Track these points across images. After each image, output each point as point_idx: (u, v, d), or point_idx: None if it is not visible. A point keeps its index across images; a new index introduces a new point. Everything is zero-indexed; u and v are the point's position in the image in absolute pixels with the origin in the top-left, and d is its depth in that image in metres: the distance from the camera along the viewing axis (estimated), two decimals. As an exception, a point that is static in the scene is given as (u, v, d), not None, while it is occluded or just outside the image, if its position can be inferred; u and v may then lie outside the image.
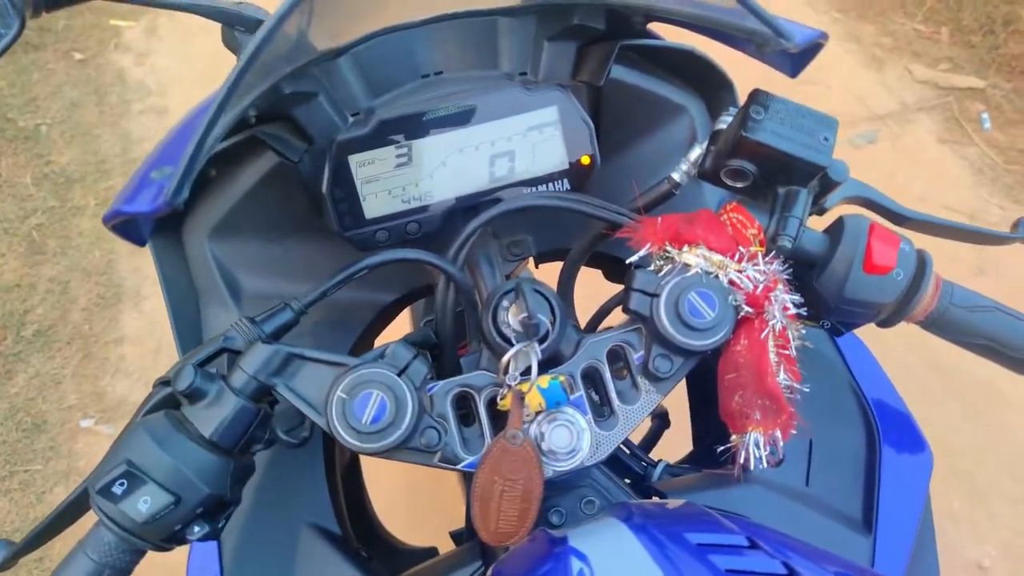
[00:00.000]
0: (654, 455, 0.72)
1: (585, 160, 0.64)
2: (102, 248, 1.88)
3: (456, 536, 0.77)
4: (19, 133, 2.06)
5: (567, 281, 0.66)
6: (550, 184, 0.64)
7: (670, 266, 0.51)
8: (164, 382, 0.51)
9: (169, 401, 0.50)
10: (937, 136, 2.29)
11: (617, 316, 0.58)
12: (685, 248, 0.51)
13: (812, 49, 0.47)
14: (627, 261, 0.53)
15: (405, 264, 0.59)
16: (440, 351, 0.60)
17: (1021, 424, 1.67)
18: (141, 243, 0.48)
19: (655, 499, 0.53)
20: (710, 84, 0.70)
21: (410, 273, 0.70)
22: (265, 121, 0.61)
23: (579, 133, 0.63)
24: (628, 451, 0.71)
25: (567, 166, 0.63)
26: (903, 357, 1.73)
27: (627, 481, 0.67)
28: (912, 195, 2.11)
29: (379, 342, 0.75)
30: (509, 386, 0.49)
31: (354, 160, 0.60)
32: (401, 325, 0.79)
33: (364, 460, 0.84)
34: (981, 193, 2.14)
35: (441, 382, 0.50)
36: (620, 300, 0.58)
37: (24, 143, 2.05)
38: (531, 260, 0.71)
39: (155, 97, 2.28)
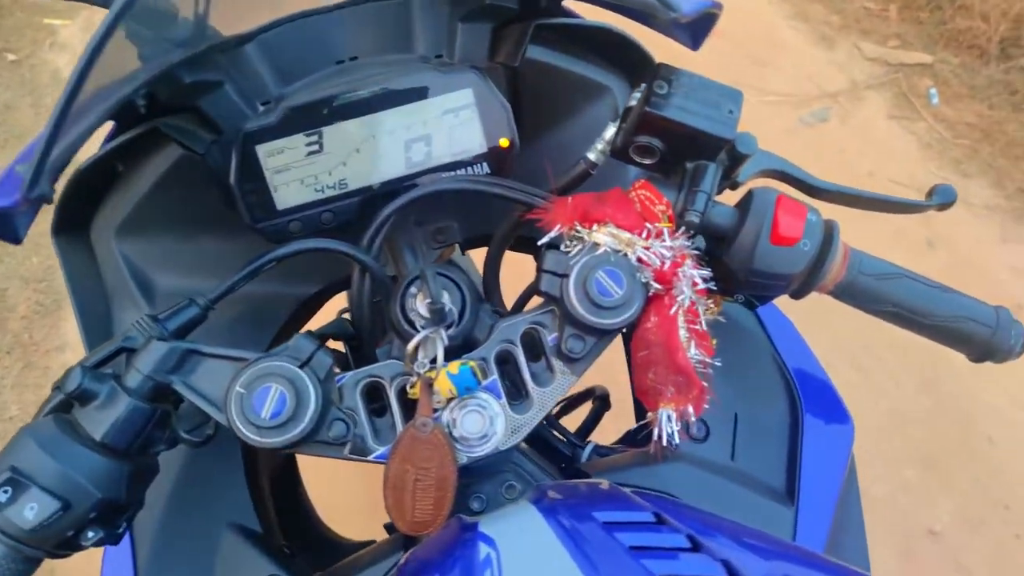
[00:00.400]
0: (596, 438, 0.72)
1: (504, 143, 0.63)
2: (40, 255, 1.82)
3: (390, 528, 0.76)
4: (-49, 139, 1.99)
5: (492, 265, 0.65)
6: (470, 168, 0.63)
7: (580, 246, 0.50)
8: (58, 387, 0.50)
9: (66, 406, 0.48)
10: (886, 112, 2.33)
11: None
12: (594, 227, 0.50)
13: (706, 19, 0.47)
14: (538, 243, 0.52)
15: (324, 255, 0.58)
16: (359, 342, 0.59)
17: (970, 393, 1.71)
18: (15, 240, 0.45)
19: (574, 480, 0.53)
20: (631, 61, 0.69)
21: (331, 264, 0.68)
22: (169, 112, 0.59)
23: (497, 115, 0.62)
24: (560, 435, 0.70)
25: (486, 149, 0.62)
26: (858, 329, 1.76)
27: (563, 465, 0.67)
28: (861, 171, 2.14)
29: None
30: (418, 374, 0.48)
31: (262, 150, 0.59)
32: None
33: (304, 457, 0.83)
34: (929, 167, 2.18)
35: (349, 373, 0.49)
36: (535, 286, 0.58)
37: (-44, 149, 1.98)
38: (458, 246, 0.70)
39: (96, 96, 2.21)
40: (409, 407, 0.50)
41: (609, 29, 0.65)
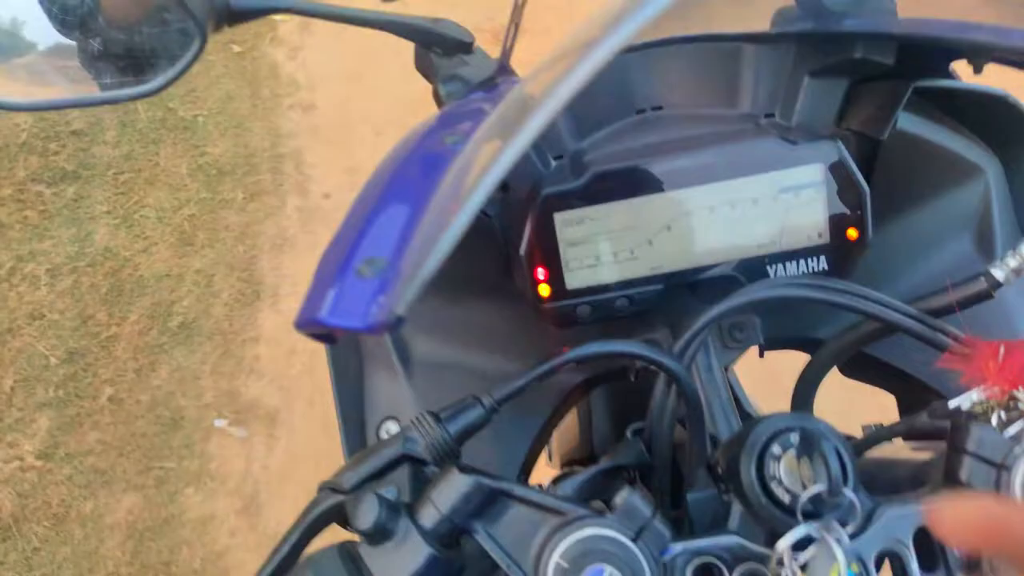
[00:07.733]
0: None
1: (852, 234, 0.50)
2: (246, 244, 1.90)
3: None
4: (179, 123, 2.13)
5: (809, 388, 0.52)
6: (804, 261, 0.51)
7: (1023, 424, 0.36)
8: (332, 488, 0.42)
9: (334, 513, 0.41)
10: None
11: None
12: (1048, 397, 0.36)
13: None
14: (950, 403, 0.38)
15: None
16: (652, 473, 0.48)
17: None
18: (331, 341, 0.37)
19: None
20: (1012, 139, 0.54)
21: None
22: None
23: (848, 200, 0.49)
24: None
25: (827, 240, 0.50)
26: None
27: None
28: None
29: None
30: None
31: (560, 219, 0.50)
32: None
33: None
34: None
35: (679, 545, 0.37)
36: (905, 429, 0.44)
37: (182, 133, 2.11)
38: (755, 348, 0.58)
39: (304, 92, 2.30)
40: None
41: (1004, 98, 0.51)
